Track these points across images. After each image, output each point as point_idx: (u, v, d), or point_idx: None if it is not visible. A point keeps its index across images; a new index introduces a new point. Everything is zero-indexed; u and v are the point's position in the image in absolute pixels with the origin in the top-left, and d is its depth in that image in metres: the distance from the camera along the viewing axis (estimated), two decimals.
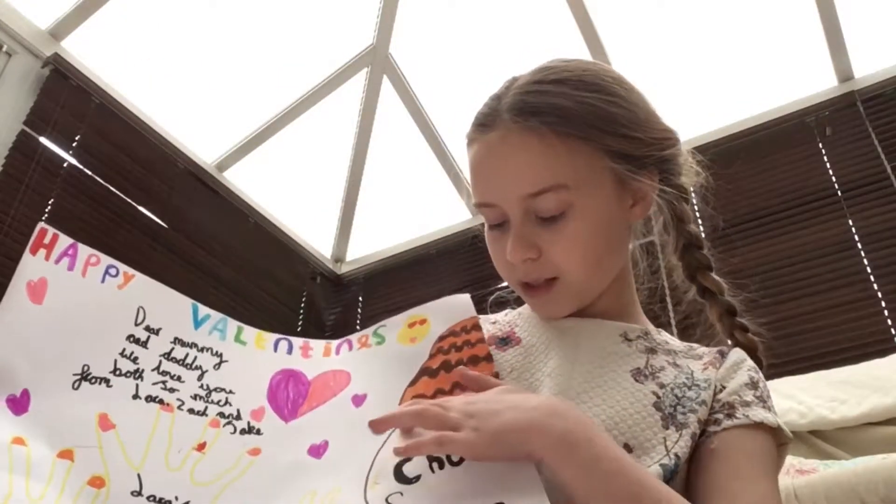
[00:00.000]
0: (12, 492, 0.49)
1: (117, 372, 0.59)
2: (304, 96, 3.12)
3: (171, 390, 0.60)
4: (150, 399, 0.58)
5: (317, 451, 0.57)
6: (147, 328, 0.62)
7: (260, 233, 3.28)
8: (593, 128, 0.68)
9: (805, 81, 2.84)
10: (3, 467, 0.50)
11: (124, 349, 0.60)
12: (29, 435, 0.53)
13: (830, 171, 2.65)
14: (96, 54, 2.67)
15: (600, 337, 0.69)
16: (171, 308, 0.66)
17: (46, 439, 0.53)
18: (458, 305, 0.65)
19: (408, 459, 0.52)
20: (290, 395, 0.62)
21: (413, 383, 0.59)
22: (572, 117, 0.68)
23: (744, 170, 2.82)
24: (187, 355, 0.62)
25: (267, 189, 3.31)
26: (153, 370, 0.60)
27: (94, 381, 0.58)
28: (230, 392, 0.61)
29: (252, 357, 0.64)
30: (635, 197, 0.72)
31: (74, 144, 2.52)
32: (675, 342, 0.73)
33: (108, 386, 0.58)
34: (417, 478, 0.50)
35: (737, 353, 0.70)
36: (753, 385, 0.66)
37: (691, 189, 0.82)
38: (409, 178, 3.54)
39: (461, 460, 0.51)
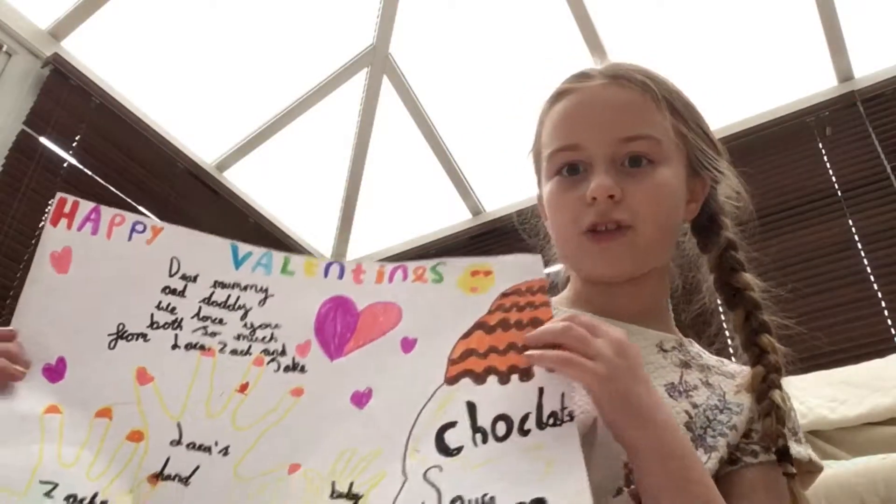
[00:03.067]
0: (41, 461, 0.50)
1: (154, 325, 0.57)
2: (304, 96, 3.12)
3: (213, 334, 0.58)
4: (189, 346, 0.57)
5: (360, 399, 0.54)
6: (183, 277, 0.60)
7: (260, 233, 3.28)
8: (685, 108, 0.74)
9: (805, 81, 2.84)
10: (34, 439, 0.51)
11: (160, 302, 0.58)
12: (64, 401, 0.53)
13: (830, 171, 2.65)
14: (96, 54, 2.67)
15: (637, 344, 0.69)
16: (207, 253, 0.62)
17: (83, 402, 0.53)
18: (528, 265, 0.60)
19: (451, 426, 0.50)
20: (337, 329, 0.58)
21: (466, 336, 0.56)
22: (668, 92, 0.74)
23: (744, 170, 2.81)
24: (229, 297, 0.59)
25: (267, 189, 3.31)
26: (192, 317, 0.58)
27: (130, 338, 0.57)
28: (276, 326, 0.58)
29: (300, 287, 0.60)
30: (692, 194, 0.74)
31: (74, 144, 2.52)
32: (707, 356, 0.72)
33: (146, 340, 0.57)
34: (459, 450, 0.49)
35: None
36: (794, 432, 0.68)
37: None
38: (409, 178, 3.53)
39: (507, 435, 0.49)
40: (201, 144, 3.04)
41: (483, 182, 3.36)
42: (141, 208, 2.71)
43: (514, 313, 0.56)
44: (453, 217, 3.44)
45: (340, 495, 0.49)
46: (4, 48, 2.44)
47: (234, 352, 0.57)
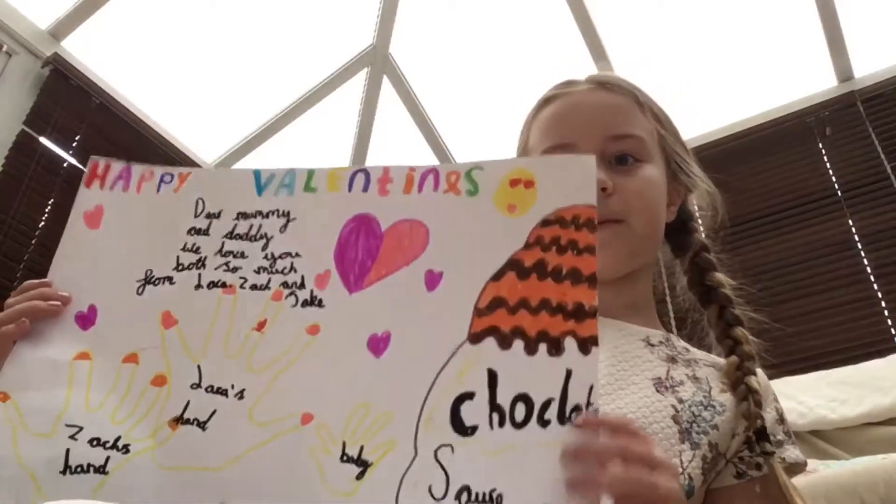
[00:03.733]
0: (68, 405, 0.51)
1: (179, 267, 0.57)
2: (304, 96, 3.12)
3: (234, 269, 0.56)
4: (211, 285, 0.56)
5: (377, 344, 0.51)
6: (207, 215, 0.58)
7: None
8: (664, 116, 0.77)
9: (805, 81, 2.85)
10: (62, 383, 0.52)
11: (185, 243, 0.58)
12: (94, 347, 0.54)
13: (830, 172, 2.65)
14: (96, 54, 2.67)
15: (623, 338, 0.69)
16: (230, 186, 0.60)
17: (111, 349, 0.54)
18: (578, 176, 0.52)
19: (468, 397, 0.47)
20: (358, 255, 0.54)
21: (498, 277, 0.51)
22: (649, 99, 0.77)
23: (744, 170, 2.82)
24: (251, 227, 0.57)
25: None
26: (216, 254, 0.57)
27: (157, 282, 0.57)
28: (296, 255, 0.56)
29: (323, 205, 0.57)
30: (670, 198, 0.76)
31: (74, 144, 2.52)
32: (693, 350, 0.73)
33: (172, 283, 0.56)
34: (474, 429, 0.47)
35: (760, 379, 0.69)
36: (781, 419, 0.68)
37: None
38: None
39: (525, 422, 0.46)
40: (201, 144, 3.04)
41: None
42: None
43: (554, 255, 0.50)
44: None
45: (351, 459, 0.48)
46: (4, 48, 2.44)
47: (253, 287, 0.55)
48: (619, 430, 0.46)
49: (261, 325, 0.54)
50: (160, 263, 0.57)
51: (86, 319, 0.56)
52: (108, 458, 0.49)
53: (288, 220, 0.57)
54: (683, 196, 0.79)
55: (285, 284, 0.55)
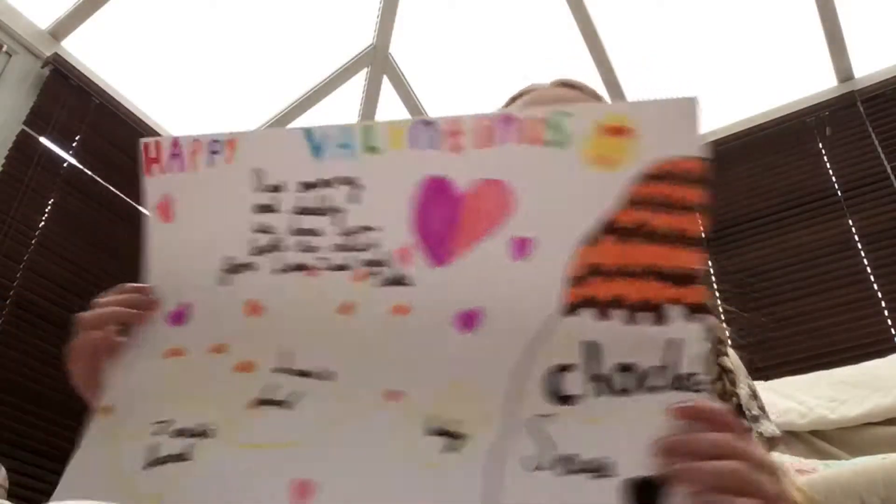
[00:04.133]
0: (162, 404, 0.52)
1: (255, 251, 0.55)
2: (303, 96, 3.12)
3: (312, 249, 0.54)
4: (291, 269, 0.54)
5: (465, 321, 0.49)
6: (268, 188, 0.56)
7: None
8: None
9: (805, 81, 2.85)
10: (158, 383, 0.53)
11: (255, 223, 0.55)
12: (184, 343, 0.55)
13: (830, 171, 2.65)
14: (96, 54, 2.67)
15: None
16: (284, 152, 0.56)
17: (200, 341, 0.54)
18: (680, 122, 0.46)
19: (566, 368, 0.44)
20: (439, 225, 0.51)
21: (592, 242, 0.46)
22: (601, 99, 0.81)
23: (744, 170, 2.82)
24: (317, 198, 0.54)
25: None
26: (289, 233, 0.54)
27: (238, 270, 0.56)
28: (371, 229, 0.52)
29: (390, 167, 0.52)
30: None
31: (74, 144, 2.52)
32: None
33: (251, 269, 0.55)
34: (573, 399, 0.44)
35: (732, 359, 0.71)
36: (754, 395, 0.69)
37: None
38: None
39: (630, 390, 0.43)
40: None
41: None
42: (141, 208, 2.70)
43: (655, 215, 0.45)
44: None
45: (437, 432, 0.46)
46: (4, 48, 2.44)
47: (335, 267, 0.53)
48: (719, 423, 0.44)
49: (345, 309, 0.52)
50: (237, 249, 0.56)
51: (177, 317, 0.56)
52: (191, 446, 0.50)
53: (355, 189, 0.53)
54: None
55: (366, 262, 0.52)
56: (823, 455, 1.76)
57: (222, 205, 0.57)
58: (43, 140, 2.42)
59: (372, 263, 0.52)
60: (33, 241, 2.30)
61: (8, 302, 2.18)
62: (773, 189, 2.72)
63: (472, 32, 3.08)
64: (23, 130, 2.37)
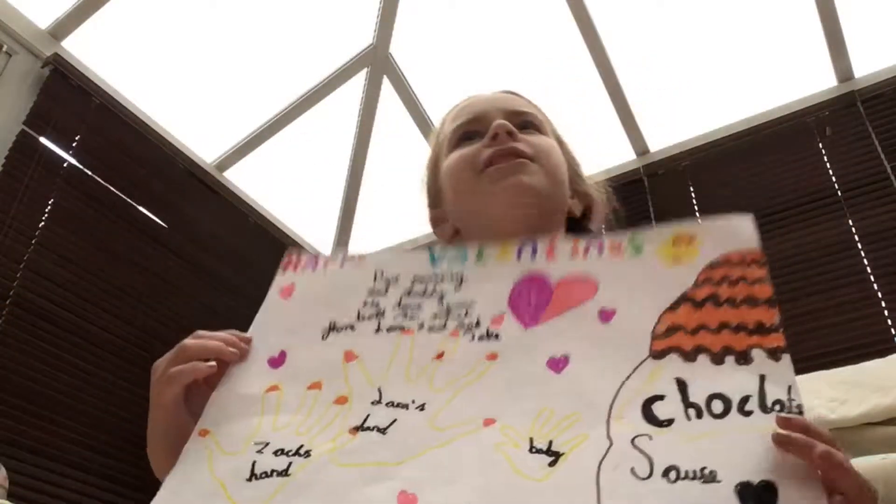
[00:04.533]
0: (259, 429, 0.56)
1: (360, 317, 0.63)
2: (303, 96, 3.12)
3: (412, 317, 0.61)
4: (391, 329, 0.61)
5: (556, 364, 0.53)
6: (385, 280, 0.65)
7: (260, 233, 3.28)
8: (561, 136, 0.83)
9: (805, 81, 2.85)
10: (255, 413, 0.58)
11: (366, 301, 0.64)
12: (283, 381, 0.60)
13: (830, 171, 2.65)
14: (96, 54, 2.67)
15: None
16: (407, 259, 0.67)
17: (298, 380, 0.59)
18: (738, 231, 0.55)
19: (658, 398, 0.48)
20: (531, 301, 0.59)
21: (673, 308, 0.53)
22: (547, 117, 0.83)
23: (744, 170, 2.82)
24: (426, 287, 0.63)
25: (267, 189, 3.31)
26: (394, 307, 0.63)
27: (339, 329, 0.63)
28: (471, 304, 0.60)
29: (494, 269, 0.62)
30: (573, 192, 0.79)
31: (74, 144, 2.52)
32: None
33: (353, 329, 0.62)
34: (670, 422, 0.47)
35: None
36: None
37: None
38: (409, 178, 3.53)
39: (725, 413, 0.46)
40: (201, 144, 3.04)
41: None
42: (141, 208, 2.71)
43: (726, 288, 0.52)
44: None
45: (540, 451, 0.48)
46: (4, 48, 2.44)
47: (431, 328, 0.60)
48: (819, 436, 0.46)
49: (440, 356, 0.57)
50: (343, 316, 0.63)
51: (276, 361, 0.62)
52: (290, 464, 0.53)
53: (462, 281, 0.63)
54: (589, 202, 0.81)
55: (461, 325, 0.59)
56: None
57: (340, 287, 0.66)
58: (43, 140, 2.42)
59: (466, 325, 0.59)
60: (33, 241, 2.30)
61: (8, 302, 2.18)
62: (772, 189, 2.72)
63: (472, 32, 3.09)
64: (23, 130, 2.37)
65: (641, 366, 0.50)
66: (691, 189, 2.89)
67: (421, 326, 0.60)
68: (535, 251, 0.62)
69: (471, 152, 0.74)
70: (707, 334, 0.51)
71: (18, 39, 2.47)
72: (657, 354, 0.51)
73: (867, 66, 2.75)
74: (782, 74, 2.87)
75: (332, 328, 0.63)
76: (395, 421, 0.54)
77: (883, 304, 2.31)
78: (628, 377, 0.50)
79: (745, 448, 0.45)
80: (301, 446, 0.54)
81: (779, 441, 0.45)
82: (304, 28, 2.99)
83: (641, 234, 0.59)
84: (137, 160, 2.74)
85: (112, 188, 2.62)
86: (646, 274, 0.56)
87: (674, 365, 0.50)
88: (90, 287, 2.42)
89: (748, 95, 2.91)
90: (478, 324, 0.59)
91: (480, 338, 0.57)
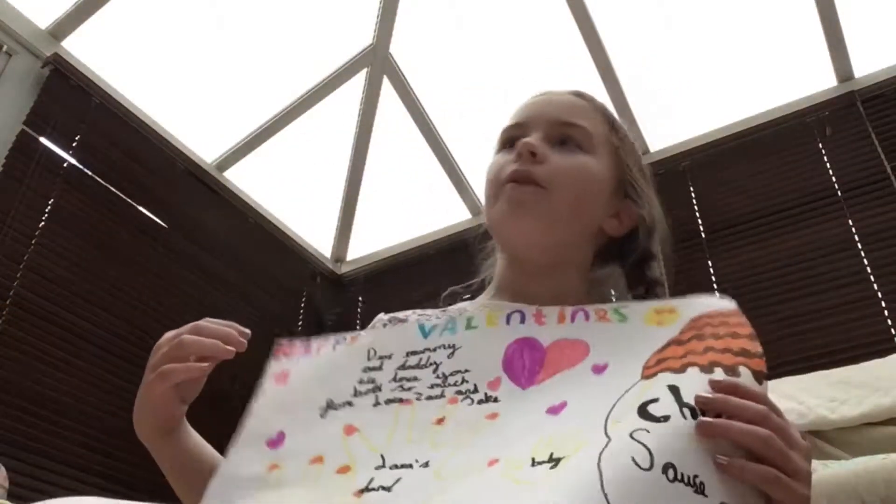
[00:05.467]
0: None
1: (357, 394, 0.63)
2: (304, 96, 3.12)
3: (409, 389, 0.62)
4: (389, 402, 0.62)
5: (554, 410, 0.55)
6: (379, 357, 0.66)
7: (260, 233, 3.28)
8: (622, 133, 0.81)
9: (805, 81, 2.85)
10: (259, 487, 0.58)
11: (361, 378, 0.65)
12: (283, 459, 0.60)
13: (830, 171, 2.65)
14: (96, 54, 2.67)
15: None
16: (398, 335, 0.68)
17: (299, 456, 0.60)
18: (716, 302, 0.59)
19: (653, 401, 0.49)
20: (525, 364, 0.60)
21: (661, 350, 0.56)
22: (611, 116, 0.81)
23: (744, 170, 2.82)
24: (420, 360, 0.64)
25: (267, 189, 3.31)
26: (390, 381, 0.64)
27: (337, 407, 0.63)
28: (466, 371, 0.62)
29: (485, 336, 0.64)
30: (615, 210, 0.78)
31: (74, 144, 2.52)
32: None
33: (351, 406, 0.63)
34: (666, 418, 0.48)
35: None
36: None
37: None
38: (409, 178, 3.54)
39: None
40: (201, 144, 3.04)
41: (482, 182, 3.36)
42: (141, 208, 2.71)
43: (709, 330, 0.56)
44: (453, 217, 3.44)
45: (541, 462, 0.49)
46: (4, 48, 2.44)
47: (429, 398, 0.61)
48: (758, 400, 0.48)
49: (440, 421, 0.58)
50: (340, 394, 0.64)
51: (275, 442, 0.62)
52: None
53: (454, 350, 0.64)
54: (635, 219, 0.78)
55: (459, 392, 0.60)
56: (823, 455, 1.76)
57: (335, 369, 0.66)
58: (43, 140, 2.42)
59: (464, 392, 0.60)
60: (33, 241, 2.30)
61: (8, 302, 2.18)
62: (773, 189, 2.72)
63: (472, 32, 3.09)
64: (23, 130, 2.37)
65: (634, 387, 0.53)
66: (691, 189, 2.89)
67: (419, 397, 0.61)
68: (523, 319, 0.64)
69: (502, 163, 0.76)
70: (695, 356, 0.53)
71: (18, 39, 2.47)
72: (648, 376, 0.53)
73: (867, 66, 2.75)
74: (782, 74, 2.87)
75: (330, 406, 0.63)
76: (399, 479, 0.54)
77: (883, 304, 2.31)
78: (622, 396, 0.52)
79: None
80: None
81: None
82: (304, 28, 2.99)
83: (624, 307, 0.62)
84: (137, 160, 2.74)
85: (112, 188, 2.62)
86: (633, 334, 0.59)
87: (665, 378, 0.52)
88: (90, 287, 2.42)
89: (748, 95, 2.91)
90: (475, 389, 0.60)
91: (480, 401, 0.59)
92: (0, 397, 2.08)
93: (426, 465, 0.54)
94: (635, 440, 0.46)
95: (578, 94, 0.81)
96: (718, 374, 0.50)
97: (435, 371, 0.63)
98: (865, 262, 2.42)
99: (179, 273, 2.79)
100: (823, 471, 1.39)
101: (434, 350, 0.64)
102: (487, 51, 3.05)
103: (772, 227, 2.65)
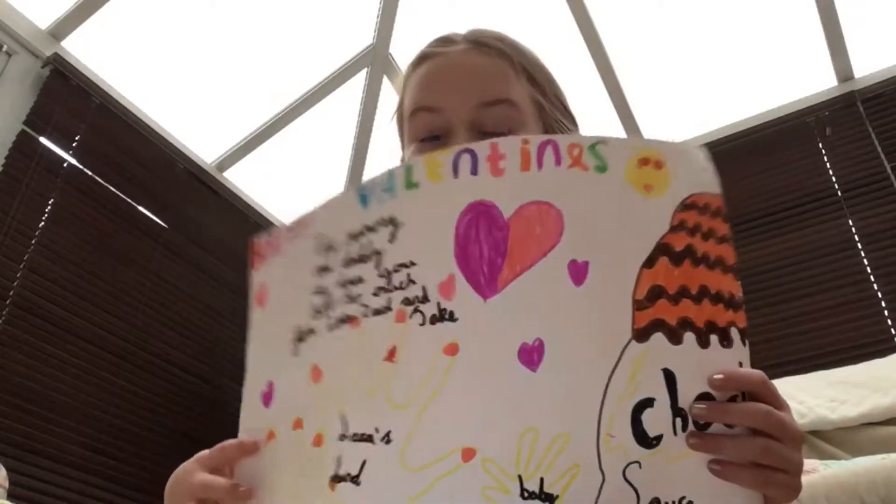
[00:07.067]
0: (261, 495, 0.52)
1: (316, 314, 0.54)
2: (304, 96, 3.12)
3: (355, 298, 0.51)
4: (339, 322, 0.52)
5: (530, 356, 0.45)
6: (325, 249, 0.55)
7: (260, 233, 3.27)
8: (544, 78, 0.72)
9: (805, 81, 2.85)
10: (259, 472, 0.53)
11: (314, 287, 0.55)
12: (275, 423, 0.54)
13: (830, 171, 2.65)
14: (96, 54, 2.67)
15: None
16: (338, 210, 0.55)
17: (286, 419, 0.53)
18: (702, 165, 0.48)
19: (648, 404, 0.44)
20: (484, 252, 0.47)
21: (650, 264, 0.45)
22: (528, 61, 0.72)
23: (744, 170, 2.82)
24: (361, 247, 0.52)
25: (267, 189, 3.31)
26: (336, 286, 0.53)
27: (303, 337, 0.55)
28: (411, 265, 0.49)
29: (429, 200, 0.50)
30: None
31: (74, 144, 2.52)
32: None
33: (313, 333, 0.54)
34: (658, 439, 0.43)
35: None
36: None
37: None
38: None
39: (708, 425, 0.43)
40: (201, 144, 3.04)
41: None
42: (141, 208, 2.71)
43: (700, 241, 0.46)
44: None
45: (533, 495, 0.43)
46: (4, 48, 2.44)
47: (376, 312, 0.50)
48: (762, 392, 0.45)
49: (391, 354, 0.48)
50: (303, 317, 0.55)
51: (267, 396, 0.56)
52: None
53: (395, 228, 0.51)
54: None
55: (406, 301, 0.49)
56: (823, 455, 1.76)
57: (294, 277, 0.57)
58: (43, 140, 2.42)
59: (412, 301, 0.48)
60: (33, 241, 2.30)
61: (8, 302, 2.18)
62: (772, 189, 2.72)
63: None
64: (23, 130, 2.37)
65: (626, 352, 0.44)
66: None
67: (365, 312, 0.51)
68: (475, 162, 0.49)
69: None
70: (690, 303, 0.45)
71: (18, 39, 2.47)
72: (641, 334, 0.44)
73: (867, 66, 2.75)
74: (782, 74, 2.87)
75: (299, 337, 0.55)
76: (365, 463, 0.48)
77: (883, 304, 2.31)
78: (613, 371, 0.44)
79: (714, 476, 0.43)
80: None
81: (695, 446, 0.43)
82: (304, 28, 2.99)
83: (604, 144, 0.48)
84: (137, 160, 2.74)
85: (112, 188, 2.62)
86: (616, 203, 0.47)
87: (660, 350, 0.44)
88: (90, 287, 2.42)
89: (748, 95, 2.91)
90: (425, 297, 0.48)
91: (433, 319, 0.47)
92: (0, 397, 2.08)
93: (387, 439, 0.47)
94: (627, 482, 0.43)
95: (483, 48, 0.72)
96: (715, 347, 0.44)
97: (378, 266, 0.51)
98: (865, 262, 2.42)
99: (179, 273, 2.78)
100: (823, 471, 1.39)
101: (374, 229, 0.52)
102: None
103: (772, 227, 2.65)
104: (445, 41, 0.75)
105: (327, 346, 0.52)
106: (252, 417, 0.56)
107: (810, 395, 1.91)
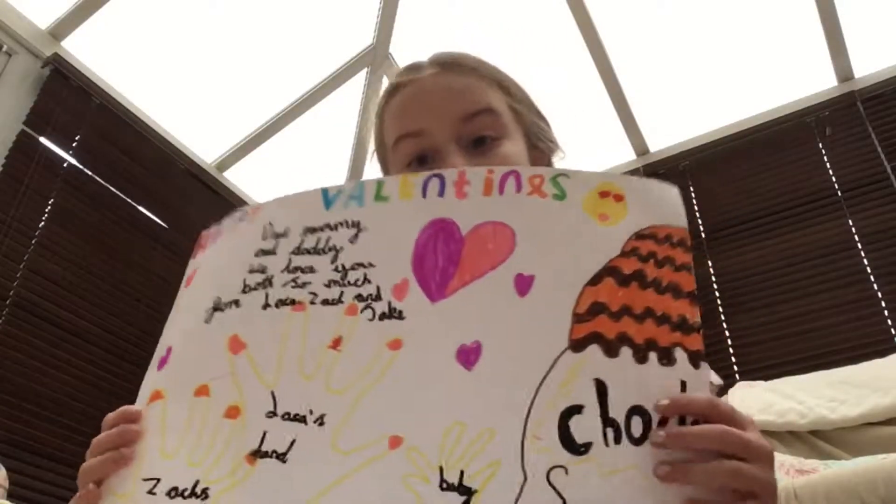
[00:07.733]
0: (145, 459, 0.50)
1: (246, 289, 0.54)
2: (304, 96, 3.12)
3: (303, 285, 0.52)
4: (280, 304, 0.52)
5: (467, 356, 0.47)
6: (274, 236, 0.55)
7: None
8: (514, 87, 0.75)
9: (805, 81, 2.85)
10: (141, 433, 0.51)
11: (251, 265, 0.55)
12: (167, 385, 0.53)
13: (830, 171, 2.65)
14: (96, 54, 2.67)
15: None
16: (298, 206, 0.57)
17: (183, 383, 0.52)
18: (667, 200, 0.50)
19: (577, 410, 0.44)
20: (439, 262, 0.50)
21: (595, 282, 0.47)
22: (498, 74, 0.75)
23: (744, 170, 2.82)
24: (318, 240, 0.53)
25: (267, 189, 3.31)
26: (283, 271, 0.53)
27: (223, 307, 0.54)
28: (369, 266, 0.51)
29: (396, 213, 0.53)
30: (533, 164, 0.74)
31: (74, 144, 2.52)
32: None
33: (238, 306, 0.53)
34: (587, 447, 0.43)
35: None
36: None
37: None
38: None
39: (643, 437, 0.43)
40: (201, 144, 3.04)
41: None
42: (141, 208, 2.71)
43: (652, 267, 0.47)
44: None
45: (451, 486, 0.43)
46: (4, 48, 2.44)
47: (325, 302, 0.51)
48: (712, 415, 0.44)
49: (336, 343, 0.49)
50: (228, 290, 0.54)
51: (163, 360, 0.54)
52: None
53: (358, 231, 0.53)
54: (547, 162, 0.75)
55: (359, 297, 0.50)
56: (823, 455, 1.76)
57: (228, 257, 0.57)
58: (43, 140, 2.42)
59: (365, 297, 0.50)
60: (33, 241, 2.30)
61: (8, 302, 2.18)
62: (773, 189, 2.72)
63: (472, 32, 3.08)
64: (23, 130, 2.37)
65: (560, 360, 0.45)
66: (691, 189, 2.90)
67: (314, 299, 0.51)
68: (443, 185, 0.52)
69: None
70: (631, 321, 0.46)
71: (18, 39, 2.47)
72: (577, 344, 0.46)
73: (867, 66, 2.75)
74: (782, 74, 2.87)
75: (216, 307, 0.54)
76: (294, 442, 0.47)
77: (883, 304, 2.31)
78: (545, 377, 0.45)
79: (660, 489, 0.42)
80: (196, 483, 0.47)
81: (661, 475, 0.42)
82: (304, 28, 2.99)
83: (564, 176, 0.51)
84: (137, 160, 2.74)
85: (112, 188, 2.62)
86: (569, 227, 0.49)
87: (594, 361, 0.45)
88: (90, 287, 2.42)
89: (748, 95, 2.91)
90: (378, 295, 0.50)
91: (382, 315, 0.49)
92: (0, 397, 2.08)
93: (321, 421, 0.47)
94: (551, 485, 0.42)
95: (452, 68, 0.73)
96: (653, 364, 0.45)
97: (334, 261, 0.52)
98: (865, 262, 2.42)
99: (179, 273, 2.77)
100: (823, 471, 1.39)
101: (335, 228, 0.53)
102: (487, 51, 3.04)
103: (772, 227, 2.65)
104: (413, 69, 0.76)
105: (257, 321, 0.52)
106: (146, 384, 0.55)
107: (810, 395, 1.91)
